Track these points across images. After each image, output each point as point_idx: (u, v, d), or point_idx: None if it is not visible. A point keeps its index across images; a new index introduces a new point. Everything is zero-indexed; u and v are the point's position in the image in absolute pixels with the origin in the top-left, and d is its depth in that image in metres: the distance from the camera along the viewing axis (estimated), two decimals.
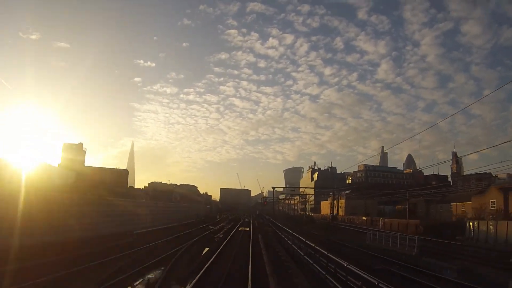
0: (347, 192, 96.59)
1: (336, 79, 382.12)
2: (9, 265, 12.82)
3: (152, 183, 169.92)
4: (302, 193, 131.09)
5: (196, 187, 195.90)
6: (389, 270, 16.53)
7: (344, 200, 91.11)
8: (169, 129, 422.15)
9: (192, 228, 40.75)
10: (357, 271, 10.94)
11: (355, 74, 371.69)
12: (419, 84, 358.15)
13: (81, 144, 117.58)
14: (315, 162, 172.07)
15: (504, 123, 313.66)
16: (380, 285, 9.20)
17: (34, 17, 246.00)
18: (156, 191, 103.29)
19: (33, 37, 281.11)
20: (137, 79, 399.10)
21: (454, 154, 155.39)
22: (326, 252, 14.48)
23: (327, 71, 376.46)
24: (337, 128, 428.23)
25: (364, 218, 66.04)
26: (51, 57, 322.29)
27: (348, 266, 11.89)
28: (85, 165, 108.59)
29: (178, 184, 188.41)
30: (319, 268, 14.63)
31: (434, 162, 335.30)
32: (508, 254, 21.09)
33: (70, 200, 22.58)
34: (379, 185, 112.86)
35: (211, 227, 45.88)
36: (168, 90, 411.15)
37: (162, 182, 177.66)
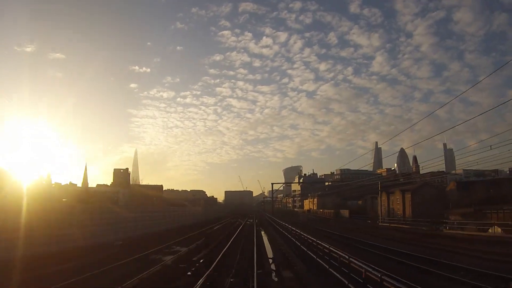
0: (319, 193, 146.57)
1: (332, 74, 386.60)
2: None
3: (166, 190, 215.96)
4: (293, 193, 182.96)
5: (204, 192, 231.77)
6: (293, 223, 66.29)
7: (316, 199, 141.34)
8: (167, 133, 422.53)
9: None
10: (283, 222, 60.18)
11: (350, 68, 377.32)
12: (414, 74, 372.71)
13: (127, 169, 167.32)
14: (301, 170, 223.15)
15: (502, 109, 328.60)
16: (287, 225, 58.95)
17: (28, 30, 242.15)
18: (187, 200, 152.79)
19: (28, 49, 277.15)
20: (133, 85, 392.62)
21: (414, 158, 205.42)
22: (275, 218, 64.26)
23: (322, 66, 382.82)
24: (335, 123, 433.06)
25: (321, 210, 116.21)
26: (48, 69, 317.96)
27: (275, 219, 61.64)
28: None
29: (189, 190, 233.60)
30: (270, 221, 65.00)
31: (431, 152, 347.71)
32: (341, 222, 70.70)
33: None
34: (347, 186, 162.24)
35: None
36: (165, 95, 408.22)
37: (173, 189, 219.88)
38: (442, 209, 56.87)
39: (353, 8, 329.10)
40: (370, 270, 9.85)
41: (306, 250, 20.64)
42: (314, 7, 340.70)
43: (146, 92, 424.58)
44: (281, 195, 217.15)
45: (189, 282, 12.29)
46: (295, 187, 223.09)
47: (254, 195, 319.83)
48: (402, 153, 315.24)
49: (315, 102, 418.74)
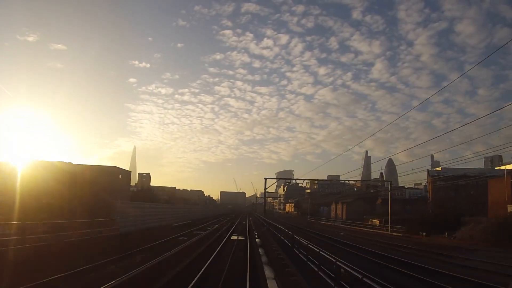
0: (296, 199, 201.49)
1: (331, 79, 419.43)
2: None
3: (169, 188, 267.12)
4: (278, 198, 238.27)
5: (202, 192, 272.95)
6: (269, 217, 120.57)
7: (294, 204, 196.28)
8: (164, 129, 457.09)
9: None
10: (263, 217, 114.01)
11: (349, 74, 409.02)
12: (413, 83, 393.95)
13: (149, 173, 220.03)
14: (293, 174, 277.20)
15: (498, 121, 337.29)
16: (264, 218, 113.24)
17: (31, 19, 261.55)
18: (194, 199, 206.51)
19: (30, 39, 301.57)
20: (132, 79, 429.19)
21: (381, 174, 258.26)
22: (259, 215, 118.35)
23: (322, 71, 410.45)
24: (332, 127, 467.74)
25: (294, 212, 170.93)
26: (48, 59, 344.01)
27: (260, 215, 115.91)
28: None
29: (189, 190, 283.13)
30: (256, 216, 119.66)
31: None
32: (295, 218, 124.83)
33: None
34: (321, 194, 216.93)
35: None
36: (163, 91, 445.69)
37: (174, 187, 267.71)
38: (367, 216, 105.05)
39: (356, 14, 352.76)
40: (279, 225, 63.26)
41: (264, 223, 74.25)
42: (316, 11, 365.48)
43: (144, 87, 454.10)
44: (270, 198, 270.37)
45: (234, 221, 67.29)
46: (281, 191, 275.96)
47: (247, 195, 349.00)
48: (390, 163, 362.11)
49: (313, 106, 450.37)
